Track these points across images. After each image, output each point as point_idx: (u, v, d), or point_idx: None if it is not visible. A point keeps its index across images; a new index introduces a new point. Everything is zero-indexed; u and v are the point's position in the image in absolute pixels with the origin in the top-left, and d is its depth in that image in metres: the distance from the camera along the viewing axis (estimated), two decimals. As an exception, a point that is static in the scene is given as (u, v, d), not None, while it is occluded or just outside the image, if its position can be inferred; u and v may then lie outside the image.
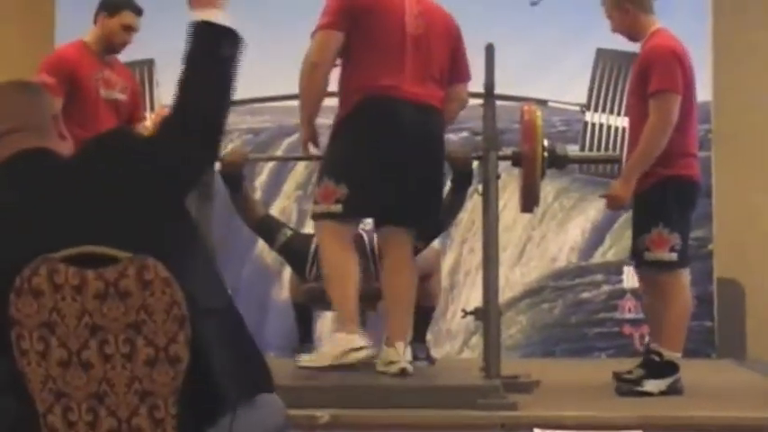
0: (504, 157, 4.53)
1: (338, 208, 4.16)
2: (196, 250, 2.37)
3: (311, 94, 4.23)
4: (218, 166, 4.76)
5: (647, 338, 5.53)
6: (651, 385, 4.43)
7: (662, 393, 4.40)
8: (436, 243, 5.13)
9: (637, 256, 4.60)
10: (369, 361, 4.14)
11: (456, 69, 4.39)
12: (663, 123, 4.44)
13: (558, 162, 4.61)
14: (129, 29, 4.94)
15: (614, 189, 4.60)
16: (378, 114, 4.17)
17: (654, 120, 4.45)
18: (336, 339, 4.18)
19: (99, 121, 4.67)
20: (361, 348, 4.09)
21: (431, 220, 4.40)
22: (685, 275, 4.64)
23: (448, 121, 4.47)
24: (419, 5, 4.30)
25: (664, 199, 4.51)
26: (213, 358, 2.22)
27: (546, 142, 4.50)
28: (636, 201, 4.59)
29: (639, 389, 4.42)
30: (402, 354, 4.24)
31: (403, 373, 4.22)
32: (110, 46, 4.94)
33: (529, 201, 4.57)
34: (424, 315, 4.99)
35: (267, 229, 4.92)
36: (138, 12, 5.00)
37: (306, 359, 4.21)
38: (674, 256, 4.52)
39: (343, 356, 4.08)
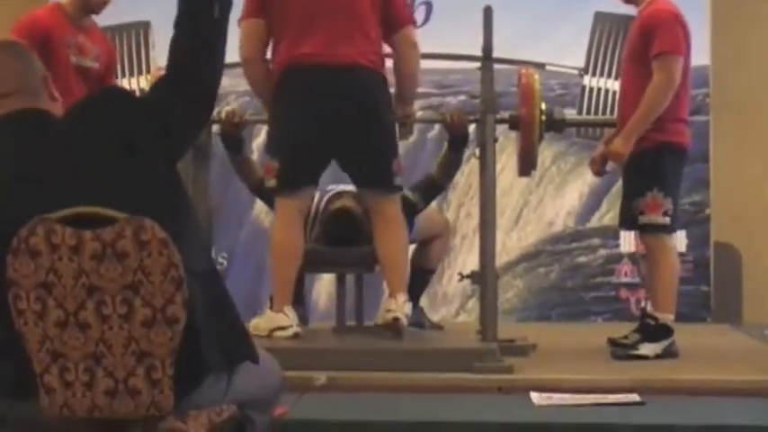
0: (502, 121, 4.52)
1: (273, 183, 4.30)
2: (186, 212, 2.38)
3: (256, 84, 4.39)
4: (217, 128, 4.76)
5: (643, 303, 5.55)
6: (647, 349, 4.45)
7: (657, 357, 4.43)
8: (435, 205, 5.11)
9: (629, 219, 4.60)
10: (293, 338, 4.23)
11: (390, 18, 4.31)
12: (667, 84, 4.46)
13: (555, 126, 4.61)
14: None
15: (615, 146, 4.59)
16: (292, 85, 4.23)
17: (658, 80, 4.46)
18: (267, 316, 4.34)
19: (66, 89, 4.54)
20: (286, 327, 4.23)
21: (386, 175, 4.32)
22: (673, 240, 4.69)
23: (407, 70, 4.36)
24: None
25: (659, 163, 4.53)
26: (199, 321, 2.23)
27: (544, 106, 4.49)
28: (629, 164, 4.59)
29: (635, 352, 4.44)
30: (401, 305, 4.27)
31: (395, 321, 4.24)
32: (87, 6, 4.83)
33: (526, 165, 4.57)
34: (420, 278, 4.99)
35: (267, 192, 4.90)
36: None
37: (253, 325, 4.26)
38: (666, 220, 4.56)
39: (270, 333, 4.23)
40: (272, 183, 4.32)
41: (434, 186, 4.93)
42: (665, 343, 4.47)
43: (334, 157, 4.34)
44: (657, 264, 4.56)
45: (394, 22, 4.32)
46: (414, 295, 4.95)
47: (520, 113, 4.47)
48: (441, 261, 5.25)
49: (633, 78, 4.58)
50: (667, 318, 4.50)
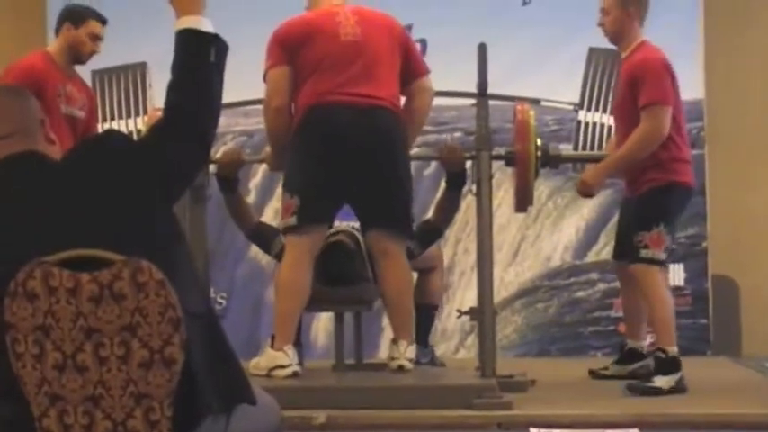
0: (498, 157, 4.54)
1: (293, 220, 4.30)
2: (183, 254, 2.38)
3: (279, 134, 4.41)
4: (213, 168, 4.78)
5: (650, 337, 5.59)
6: (661, 381, 4.45)
7: (671, 390, 4.42)
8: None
9: (631, 252, 4.61)
10: (293, 377, 4.24)
11: (411, 67, 4.43)
12: (653, 134, 4.51)
13: (551, 161, 4.63)
14: (96, 38, 4.87)
15: (587, 176, 4.71)
16: (315, 123, 4.28)
17: (646, 128, 4.51)
18: (267, 354, 4.35)
19: (57, 137, 4.56)
20: (286, 366, 4.24)
21: (402, 217, 4.39)
22: (665, 274, 4.79)
23: (422, 115, 4.49)
24: (355, 15, 4.38)
25: (668, 201, 4.59)
26: (197, 362, 2.22)
27: (539, 142, 4.51)
28: (638, 200, 4.65)
29: (650, 385, 4.43)
30: (403, 352, 4.33)
31: (401, 369, 4.30)
32: (76, 56, 4.86)
33: (523, 201, 4.58)
34: (425, 314, 5.00)
35: (262, 236, 4.90)
36: (103, 21, 4.92)
37: (252, 365, 4.27)
38: (664, 256, 4.63)
39: (269, 372, 4.25)
40: (290, 221, 4.30)
41: (432, 231, 4.92)
42: (677, 376, 4.48)
43: (349, 196, 4.37)
44: (655, 298, 4.57)
45: (413, 71, 4.43)
46: (422, 334, 4.97)
47: (515, 150, 4.48)
48: (442, 294, 5.24)
49: (626, 130, 4.62)
50: (674, 351, 4.51)
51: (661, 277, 4.65)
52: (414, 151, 4.92)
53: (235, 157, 4.86)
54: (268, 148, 4.65)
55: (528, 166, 4.43)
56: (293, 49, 4.32)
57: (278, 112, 4.36)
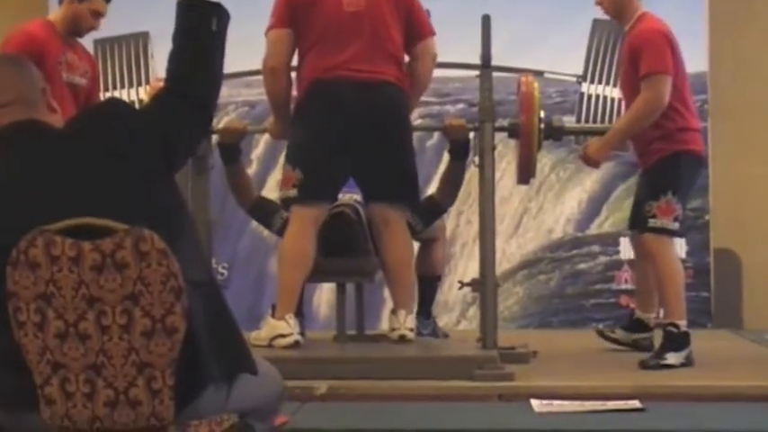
0: (501, 129, 4.53)
1: (294, 192, 4.32)
2: (185, 223, 2.39)
3: (277, 95, 4.43)
4: (216, 139, 4.77)
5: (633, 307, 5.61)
6: (673, 358, 4.44)
7: (682, 365, 4.43)
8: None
9: (640, 222, 4.61)
10: (294, 347, 4.25)
11: (414, 30, 4.41)
12: (653, 103, 4.50)
13: (554, 134, 4.62)
14: (98, 15, 4.85)
15: (590, 149, 4.69)
16: (320, 97, 4.29)
17: (645, 98, 4.50)
18: (269, 324, 4.37)
19: (59, 105, 4.55)
20: (287, 335, 4.25)
21: (406, 189, 4.41)
22: (675, 245, 4.76)
23: (424, 78, 4.48)
24: None
25: (678, 170, 4.58)
26: (198, 331, 2.23)
27: (543, 114, 4.50)
28: (647, 171, 4.66)
29: (663, 362, 4.43)
30: (403, 321, 4.34)
31: (402, 339, 4.32)
32: (76, 29, 4.84)
33: (525, 173, 4.58)
34: (427, 284, 5.02)
35: (262, 212, 4.90)
36: None
37: (253, 336, 4.28)
38: (676, 226, 4.60)
39: (271, 341, 4.26)
40: (291, 193, 4.33)
41: (435, 208, 4.91)
42: (687, 351, 4.49)
43: (353, 170, 4.39)
44: (666, 270, 4.57)
45: (416, 33, 4.41)
46: (425, 305, 5.00)
47: (519, 122, 4.48)
48: (444, 265, 5.25)
49: (632, 96, 4.60)
50: (684, 325, 4.51)
51: (672, 248, 4.64)
52: (417, 122, 4.92)
53: (238, 127, 4.86)
54: (271, 118, 4.65)
55: (531, 138, 4.43)
56: (297, 11, 4.32)
57: (273, 73, 4.37)
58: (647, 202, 4.57)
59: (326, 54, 4.29)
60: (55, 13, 4.90)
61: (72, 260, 2.16)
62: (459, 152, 4.78)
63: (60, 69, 4.71)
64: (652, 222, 4.54)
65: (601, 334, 5.04)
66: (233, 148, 4.80)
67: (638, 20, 4.65)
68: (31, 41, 4.67)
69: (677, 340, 4.48)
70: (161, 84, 2.53)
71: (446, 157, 4.96)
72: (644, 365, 4.43)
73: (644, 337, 4.89)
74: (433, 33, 4.46)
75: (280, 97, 4.42)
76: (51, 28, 4.80)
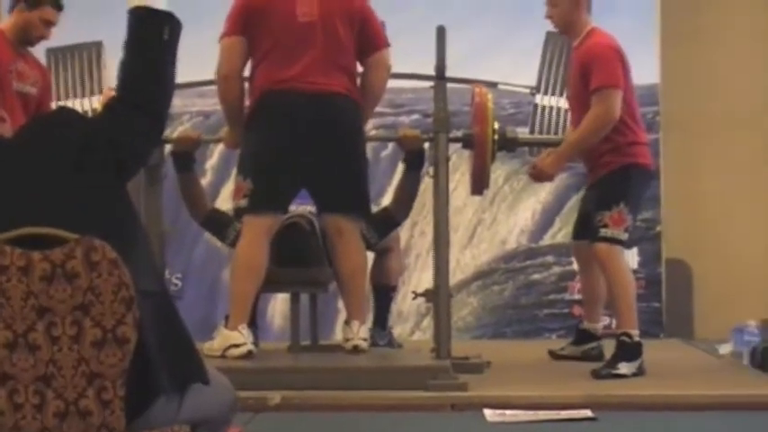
0: (455, 140, 4.55)
1: (245, 202, 4.34)
2: (136, 233, 2.37)
3: (230, 103, 4.44)
4: (169, 149, 4.76)
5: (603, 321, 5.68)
6: (625, 368, 4.48)
7: (633, 375, 4.46)
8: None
9: (591, 231, 4.63)
10: (248, 357, 4.25)
11: (368, 41, 4.42)
12: (605, 118, 4.54)
13: (508, 145, 4.65)
14: (49, 23, 4.82)
15: (543, 164, 4.74)
16: (271, 108, 4.30)
17: (597, 112, 4.54)
18: (222, 334, 4.36)
19: (9, 114, 4.50)
20: (240, 345, 4.25)
21: (358, 200, 4.42)
22: (625, 256, 4.81)
23: (377, 90, 4.48)
24: None
25: (628, 182, 4.63)
26: (150, 342, 2.21)
27: (496, 125, 4.52)
28: (598, 183, 4.70)
29: (615, 372, 4.46)
30: (357, 332, 4.35)
31: (356, 350, 4.32)
32: (26, 38, 4.80)
33: (479, 183, 4.60)
34: (382, 294, 5.02)
35: (216, 224, 4.87)
36: (59, 7, 4.85)
37: (206, 347, 4.27)
38: (626, 236, 4.65)
39: (224, 351, 4.26)
40: (242, 203, 4.34)
41: (390, 220, 4.90)
42: (639, 361, 4.52)
43: (305, 182, 4.39)
44: (616, 279, 4.61)
45: (371, 44, 4.42)
46: (381, 316, 5.00)
47: (473, 132, 4.50)
48: (399, 275, 5.25)
49: (581, 118, 4.64)
50: (637, 335, 4.54)
51: (623, 258, 4.69)
52: (371, 133, 4.92)
53: (192, 136, 4.85)
54: (226, 128, 4.64)
55: (485, 149, 4.45)
56: (251, 19, 4.32)
57: (226, 80, 4.38)
58: (599, 212, 4.60)
59: (279, 65, 4.29)
60: (5, 21, 4.86)
61: (21, 270, 2.14)
62: (414, 162, 4.79)
63: (11, 78, 4.67)
64: (603, 232, 4.58)
65: (553, 355, 5.08)
66: (187, 156, 4.78)
67: (588, 35, 4.69)
68: None
69: (630, 350, 4.51)
70: (113, 93, 2.51)
71: (401, 167, 4.96)
72: (596, 375, 4.45)
73: (592, 346, 4.94)
74: (387, 45, 4.47)
75: (233, 105, 4.42)
76: (2, 37, 4.76)
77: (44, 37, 4.86)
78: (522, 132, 5.91)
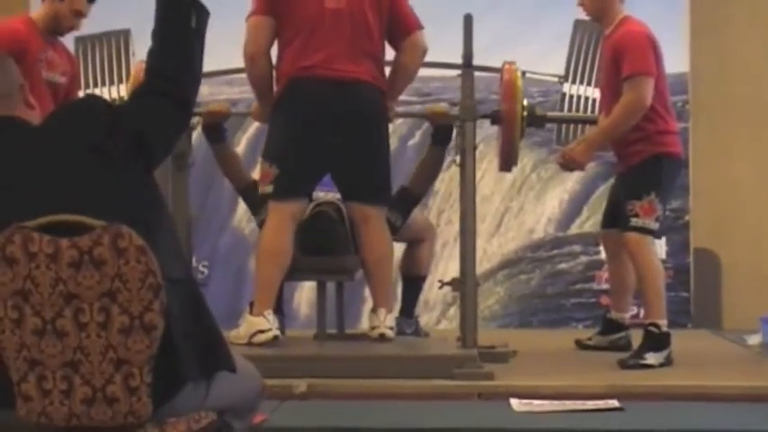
0: (484, 116, 4.54)
1: (270, 189, 4.34)
2: (163, 220, 2.38)
3: (257, 82, 4.43)
4: (196, 135, 4.77)
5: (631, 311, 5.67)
6: (653, 358, 4.46)
7: (661, 365, 4.44)
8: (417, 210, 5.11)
9: (622, 221, 4.62)
10: (273, 342, 4.25)
11: (400, 25, 4.39)
12: (636, 105, 4.52)
13: (536, 121, 4.65)
14: (79, 14, 4.83)
15: (574, 151, 4.72)
16: (297, 95, 4.29)
17: (629, 99, 4.52)
18: (247, 321, 4.36)
19: (37, 103, 4.50)
20: (266, 330, 4.24)
21: (381, 189, 4.42)
22: (655, 246, 4.80)
23: (411, 71, 4.46)
24: None
25: (659, 171, 4.60)
26: (176, 329, 2.22)
27: (525, 102, 4.51)
28: (628, 172, 4.67)
29: (642, 362, 4.45)
30: (383, 320, 4.34)
31: (382, 338, 4.31)
32: (56, 28, 4.82)
33: (508, 160, 4.59)
34: (412, 284, 5.03)
35: (252, 198, 4.86)
36: None
37: (233, 335, 4.28)
38: (656, 226, 4.62)
39: (251, 338, 4.25)
40: (267, 189, 4.34)
41: (410, 198, 4.90)
42: (667, 351, 4.50)
43: (330, 168, 4.39)
44: (645, 269, 4.59)
45: (403, 27, 4.39)
46: (408, 305, 5.01)
47: (502, 109, 4.49)
48: (429, 265, 5.25)
49: (612, 100, 4.62)
50: (665, 325, 4.53)
51: (653, 248, 4.67)
52: (398, 122, 4.91)
53: (222, 109, 4.86)
54: (255, 102, 4.64)
55: (514, 125, 4.44)
56: (278, 1, 4.30)
57: (252, 60, 4.36)
58: (630, 201, 4.58)
59: (305, 51, 4.28)
60: (37, 11, 4.88)
61: (50, 257, 2.15)
62: (441, 138, 4.79)
63: (40, 67, 4.69)
64: (634, 221, 4.56)
65: (579, 344, 5.06)
66: (217, 128, 4.80)
67: (620, 23, 4.66)
68: (13, 37, 4.65)
69: (658, 340, 4.49)
70: (143, 66, 2.53)
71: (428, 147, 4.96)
72: (623, 365, 4.44)
73: (620, 336, 4.92)
74: (420, 27, 4.43)
75: (261, 83, 4.42)
76: (33, 25, 4.78)
77: (74, 27, 4.88)
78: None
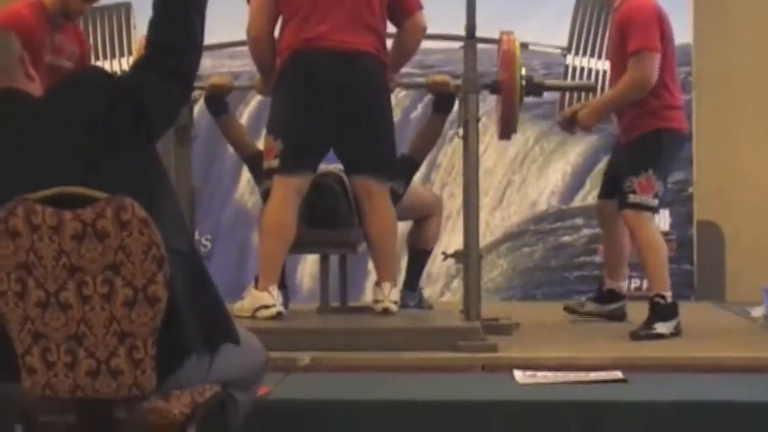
0: (485, 87, 4.54)
1: (276, 163, 4.32)
2: (165, 192, 2.38)
3: (261, 62, 4.46)
4: (198, 109, 4.75)
5: (633, 283, 5.66)
6: (663, 327, 4.47)
7: (671, 335, 4.46)
8: (418, 182, 5.09)
9: (620, 197, 4.62)
10: (277, 318, 4.25)
11: (402, 6, 4.41)
12: (641, 81, 4.53)
13: (535, 89, 4.65)
14: (88, 0, 4.81)
15: (581, 116, 4.74)
16: (300, 68, 4.29)
17: (633, 75, 4.54)
18: (252, 295, 4.36)
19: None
20: (270, 306, 4.24)
21: (385, 162, 4.41)
22: (655, 220, 4.81)
23: (411, 50, 4.51)
24: None
25: (659, 147, 4.60)
26: (180, 301, 2.22)
27: (524, 71, 4.52)
28: (628, 146, 4.67)
29: (653, 332, 4.45)
30: (387, 293, 4.35)
31: (386, 312, 4.32)
32: (64, 11, 4.78)
33: (507, 128, 4.61)
34: (417, 258, 5.04)
35: (257, 167, 4.83)
36: None
37: (236, 307, 4.28)
38: (655, 202, 4.62)
39: (254, 312, 4.25)
40: (273, 163, 4.33)
41: (409, 165, 4.88)
42: (676, 320, 4.52)
43: (332, 142, 4.38)
44: (647, 244, 4.60)
45: (404, 9, 4.42)
46: (412, 278, 5.02)
47: (501, 77, 4.50)
48: (436, 240, 5.25)
49: (621, 74, 4.62)
50: (670, 295, 4.54)
51: (653, 223, 4.67)
52: (401, 95, 4.90)
53: (224, 82, 4.84)
54: (258, 75, 4.64)
55: (513, 94, 4.45)
56: None
57: (256, 42, 4.39)
58: (628, 177, 4.58)
59: (306, 24, 4.28)
60: None
61: (53, 229, 2.15)
62: (442, 106, 4.78)
63: (45, 52, 4.65)
64: (632, 198, 4.57)
65: (569, 309, 5.07)
66: (220, 100, 4.79)
67: None
68: (20, 23, 4.56)
69: (665, 310, 4.51)
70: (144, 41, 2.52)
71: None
72: (634, 336, 4.44)
73: (618, 306, 4.95)
74: (420, 7, 4.46)
75: (264, 64, 4.44)
76: (41, 9, 4.73)
77: (82, 11, 4.85)
78: (553, 94, 5.88)
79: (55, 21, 4.75)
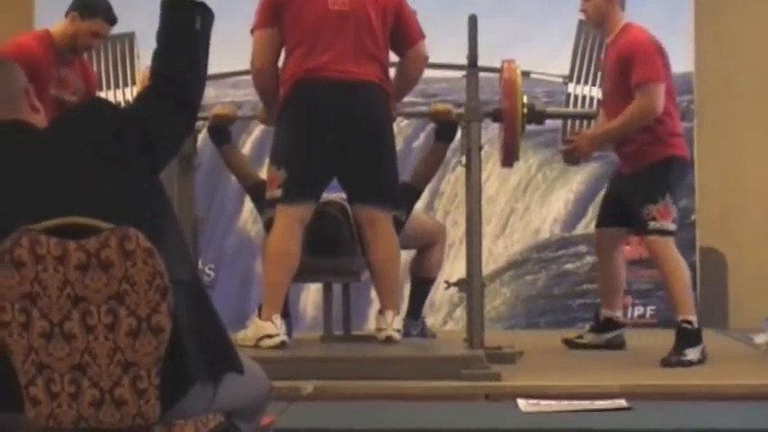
0: (486, 115, 4.56)
1: (279, 192, 4.34)
2: (169, 222, 2.38)
3: (264, 93, 4.50)
4: (201, 138, 4.77)
5: (636, 310, 5.66)
6: (692, 353, 4.49)
7: (699, 361, 4.48)
8: (421, 210, 5.10)
9: (640, 225, 4.66)
10: (280, 347, 4.25)
11: (405, 36, 4.44)
12: (647, 110, 4.59)
13: (536, 117, 4.70)
14: (98, 36, 4.82)
15: (581, 142, 4.80)
16: (303, 98, 4.31)
17: (640, 105, 4.59)
18: (255, 324, 4.38)
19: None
20: (273, 336, 4.25)
21: (387, 190, 4.42)
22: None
23: (413, 80, 4.55)
24: None
25: (669, 174, 4.67)
26: (183, 331, 2.22)
27: (525, 99, 4.54)
28: (640, 175, 4.69)
29: (684, 358, 4.47)
30: (390, 322, 4.35)
31: (389, 340, 4.32)
32: (72, 46, 4.80)
33: (509, 155, 4.64)
34: (420, 286, 5.04)
35: (260, 196, 4.84)
36: (112, 22, 4.82)
37: (240, 336, 4.28)
38: (674, 227, 4.69)
39: (257, 342, 4.26)
40: (276, 192, 4.34)
41: (411, 192, 4.87)
42: (702, 346, 4.55)
43: (335, 171, 4.39)
44: (671, 268, 4.64)
45: (407, 38, 4.45)
46: (415, 306, 5.02)
47: (503, 106, 4.52)
48: (439, 268, 5.25)
49: (616, 106, 4.66)
50: (695, 321, 4.57)
51: (674, 248, 4.70)
52: (403, 124, 4.92)
53: (227, 113, 4.86)
54: (261, 105, 4.67)
55: (514, 121, 4.49)
56: (280, 9, 4.33)
57: (260, 73, 4.42)
58: (646, 205, 4.62)
59: (310, 54, 4.30)
60: (56, 26, 4.83)
61: (57, 259, 2.15)
62: (446, 134, 4.79)
63: (51, 86, 4.66)
64: (653, 225, 4.61)
65: (568, 343, 5.09)
66: (222, 130, 4.81)
67: (623, 30, 4.73)
68: (26, 54, 4.55)
69: (692, 336, 4.54)
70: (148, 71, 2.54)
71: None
72: (665, 363, 4.45)
73: (615, 335, 4.96)
74: (423, 36, 4.49)
75: (268, 93, 4.47)
76: (49, 42, 4.74)
77: (90, 47, 4.87)
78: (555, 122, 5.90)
79: (63, 54, 4.77)
